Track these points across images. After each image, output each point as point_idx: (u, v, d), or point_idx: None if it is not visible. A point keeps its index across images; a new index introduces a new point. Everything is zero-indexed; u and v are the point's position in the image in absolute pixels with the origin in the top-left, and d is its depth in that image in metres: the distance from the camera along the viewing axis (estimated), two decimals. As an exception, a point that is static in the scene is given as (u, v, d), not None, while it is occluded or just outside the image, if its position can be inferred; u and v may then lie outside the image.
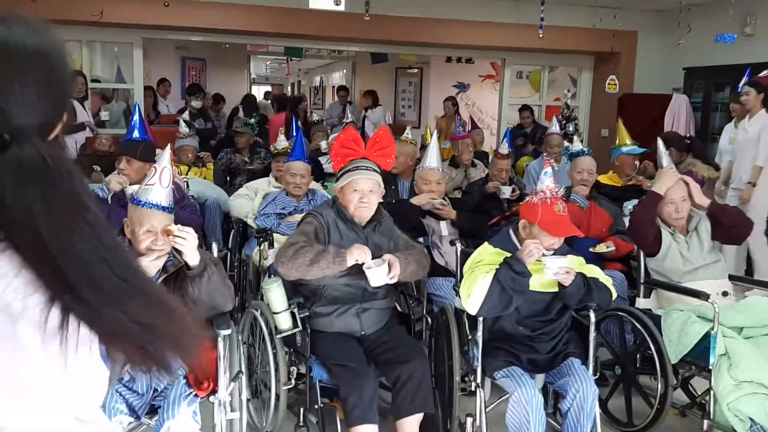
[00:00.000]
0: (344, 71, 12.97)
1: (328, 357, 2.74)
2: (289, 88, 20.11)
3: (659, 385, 2.97)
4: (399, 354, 2.75)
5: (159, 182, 2.53)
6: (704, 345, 2.86)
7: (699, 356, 2.90)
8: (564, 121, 7.67)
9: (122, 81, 8.32)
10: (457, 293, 3.07)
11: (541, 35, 6.92)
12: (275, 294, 2.77)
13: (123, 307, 0.88)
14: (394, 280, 2.77)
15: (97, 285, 0.86)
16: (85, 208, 0.88)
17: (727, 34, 5.83)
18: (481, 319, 2.71)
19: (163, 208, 2.49)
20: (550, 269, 2.62)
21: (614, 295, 2.86)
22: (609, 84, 7.65)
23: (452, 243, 3.33)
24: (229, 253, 4.47)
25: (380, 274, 2.70)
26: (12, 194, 0.82)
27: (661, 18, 7.88)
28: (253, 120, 7.05)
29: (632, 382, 3.21)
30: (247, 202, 4.51)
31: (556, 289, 2.76)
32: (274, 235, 3.69)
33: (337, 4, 6.04)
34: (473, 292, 2.64)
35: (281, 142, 5.19)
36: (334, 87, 12.15)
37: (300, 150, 4.16)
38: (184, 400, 2.32)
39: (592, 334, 2.81)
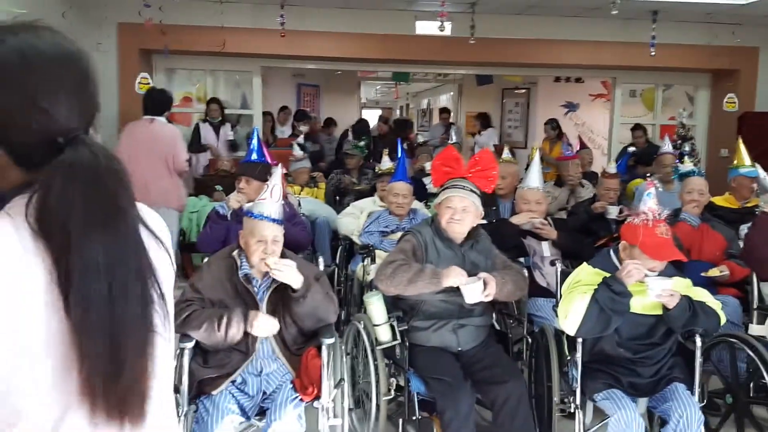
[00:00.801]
0: (451, 93, 13.10)
1: (425, 370, 2.82)
2: (398, 111, 20.52)
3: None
4: (495, 373, 2.79)
5: (270, 197, 2.75)
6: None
7: (819, 388, 2.74)
8: (680, 141, 7.38)
9: (247, 107, 8.89)
10: (557, 314, 3.07)
11: (652, 53, 6.75)
12: (376, 307, 2.89)
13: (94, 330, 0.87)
14: (489, 298, 2.82)
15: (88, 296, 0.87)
16: (122, 212, 0.92)
17: None
18: (580, 340, 2.70)
19: (273, 220, 2.71)
20: (653, 290, 2.58)
21: (723, 320, 2.76)
22: (727, 102, 7.29)
23: (552, 263, 3.33)
24: (336, 269, 4.67)
25: (475, 290, 2.76)
26: (57, 193, 0.87)
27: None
28: (362, 143, 7.31)
29: (745, 412, 3.07)
30: (353, 220, 4.71)
31: (659, 312, 2.71)
32: (376, 251, 3.83)
33: (441, 30, 6.17)
34: (571, 312, 2.64)
35: (386, 163, 5.38)
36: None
37: (402, 171, 4.31)
38: (290, 403, 2.48)
39: (698, 360, 2.73)
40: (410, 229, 3.05)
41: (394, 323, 2.89)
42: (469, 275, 2.82)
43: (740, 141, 4.78)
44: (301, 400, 2.53)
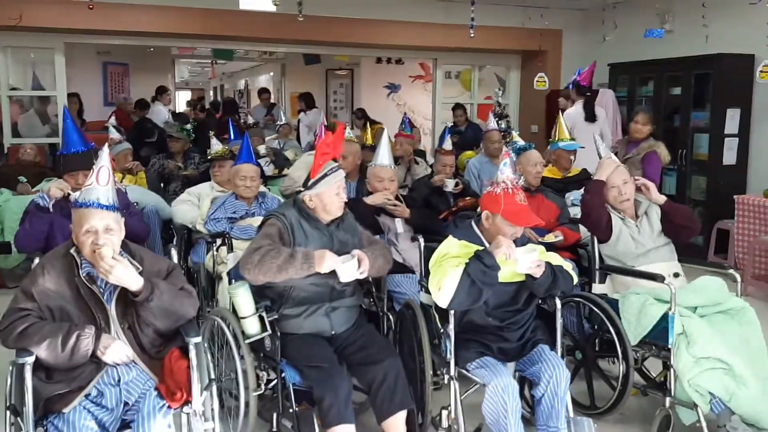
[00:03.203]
0: (271, 74, 12.79)
1: (300, 359, 2.68)
2: (212, 92, 19.67)
3: (621, 367, 3.06)
4: (371, 353, 2.73)
5: (96, 181, 2.42)
6: (662, 326, 2.97)
7: (657, 337, 3.01)
8: (497, 119, 7.83)
9: (39, 88, 7.91)
10: (422, 288, 3.08)
11: (472, 35, 7.06)
12: (243, 298, 2.68)
13: None
14: (365, 275, 2.74)
15: None
16: None
17: (656, 29, 6.13)
18: (452, 312, 2.72)
19: (102, 206, 2.38)
20: (523, 263, 2.66)
21: (575, 281, 2.93)
22: (538, 81, 7.86)
23: (414, 239, 3.33)
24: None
25: (350, 269, 2.67)
26: None
27: (585, 17, 8.18)
28: (189, 126, 6.86)
29: (593, 366, 3.30)
30: (191, 207, 4.37)
31: (521, 279, 2.80)
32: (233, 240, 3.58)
33: (276, 5, 5.92)
34: (444, 285, 2.65)
35: (215, 146, 5.09)
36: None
37: (248, 152, 4.06)
38: (159, 412, 2.21)
39: (559, 321, 2.88)
40: (273, 213, 2.86)
41: (263, 314, 2.70)
42: (339, 254, 2.72)
43: (560, 117, 5.13)
44: (170, 407, 2.27)
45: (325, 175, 2.79)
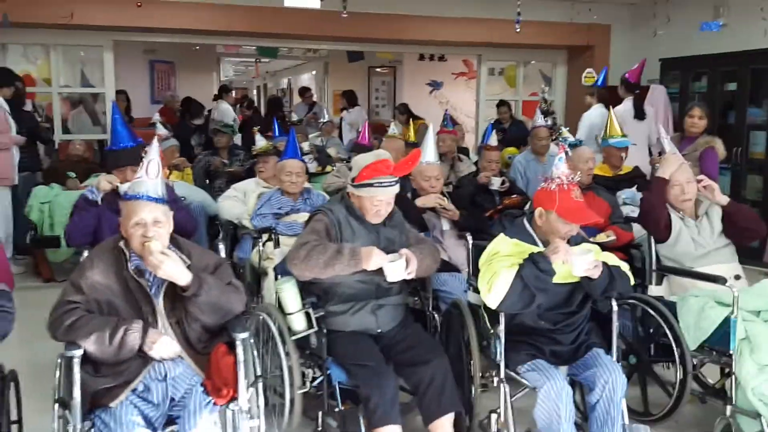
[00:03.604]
0: (314, 72, 12.82)
1: (346, 357, 2.64)
2: (255, 91, 19.84)
3: (678, 373, 2.93)
4: (418, 354, 2.66)
5: (146, 174, 2.41)
6: (723, 330, 2.83)
7: (717, 342, 2.87)
8: (543, 116, 7.67)
9: (88, 86, 8.05)
10: (470, 287, 3.00)
11: (518, 30, 6.91)
12: (289, 294, 2.65)
13: None
14: (412, 275, 2.68)
15: None
16: None
17: (712, 22, 5.90)
18: (502, 312, 2.64)
19: (151, 198, 2.37)
20: (580, 267, 2.55)
21: (632, 281, 2.81)
22: (586, 77, 7.68)
23: (461, 237, 3.25)
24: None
25: (398, 268, 2.62)
26: None
27: (634, 11, 7.95)
28: (233, 122, 6.91)
29: (648, 371, 3.18)
30: (237, 203, 4.38)
31: (576, 280, 2.70)
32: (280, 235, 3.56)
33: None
34: (495, 286, 2.56)
35: (260, 142, 5.11)
36: (302, 89, 11.98)
37: (293, 148, 4.05)
38: (205, 408, 2.19)
39: (615, 323, 2.77)
40: (320, 208, 2.82)
41: (310, 310, 2.66)
42: (386, 252, 2.66)
43: (611, 113, 4.97)
44: (215, 403, 2.24)
45: (371, 185, 2.70)
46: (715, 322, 2.84)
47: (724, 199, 3.29)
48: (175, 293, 2.37)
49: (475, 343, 2.76)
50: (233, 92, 9.42)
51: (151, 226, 2.33)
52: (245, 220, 4.03)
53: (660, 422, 3.04)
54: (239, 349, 2.29)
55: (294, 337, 2.66)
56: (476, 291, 2.81)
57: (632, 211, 4.35)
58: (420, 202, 3.73)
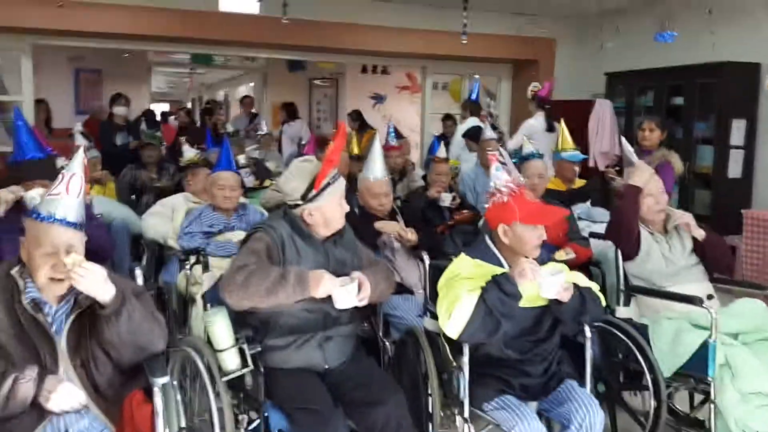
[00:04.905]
0: (252, 84, 12.38)
1: (288, 399, 2.28)
2: (189, 104, 19.20)
3: (652, 401, 2.69)
4: (371, 392, 2.33)
5: (66, 191, 2.01)
6: (699, 354, 2.62)
7: (694, 368, 2.65)
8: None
9: (3, 93, 7.42)
10: (427, 312, 2.70)
11: (464, 41, 6.72)
12: (220, 328, 2.27)
13: None
14: (365, 302, 2.35)
15: None
16: None
17: (666, 33, 5.84)
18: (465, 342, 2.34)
19: (70, 224, 1.98)
20: (551, 289, 2.29)
21: (603, 302, 2.57)
22: (532, 91, 7.55)
23: (419, 256, 2.96)
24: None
25: (349, 294, 2.28)
26: None
27: (579, 25, 7.91)
28: (159, 133, 6.47)
29: (617, 400, 2.94)
30: (163, 221, 3.95)
31: (544, 303, 2.43)
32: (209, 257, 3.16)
33: (259, 1, 5.51)
34: (455, 313, 2.26)
35: (188, 153, 4.74)
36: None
37: (227, 159, 3.67)
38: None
39: (589, 352, 2.51)
40: (260, 225, 2.46)
41: (244, 346, 2.29)
42: (336, 275, 2.33)
43: (563, 126, 4.80)
44: (129, 464, 1.85)
45: (328, 185, 2.40)
46: (692, 346, 2.63)
47: (701, 234, 3.08)
48: (81, 330, 1.97)
49: (435, 377, 2.45)
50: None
51: (63, 258, 1.93)
52: (171, 240, 3.62)
53: (632, 456, 2.81)
54: (158, 398, 1.91)
55: (225, 378, 2.28)
56: (434, 317, 2.51)
57: (588, 226, 4.17)
58: (379, 226, 3.40)
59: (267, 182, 5.69)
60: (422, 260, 3.11)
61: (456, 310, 2.26)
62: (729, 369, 2.55)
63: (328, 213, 2.41)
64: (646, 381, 2.72)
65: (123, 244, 4.15)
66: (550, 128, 6.37)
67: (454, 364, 2.40)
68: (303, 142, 8.10)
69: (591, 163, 6.51)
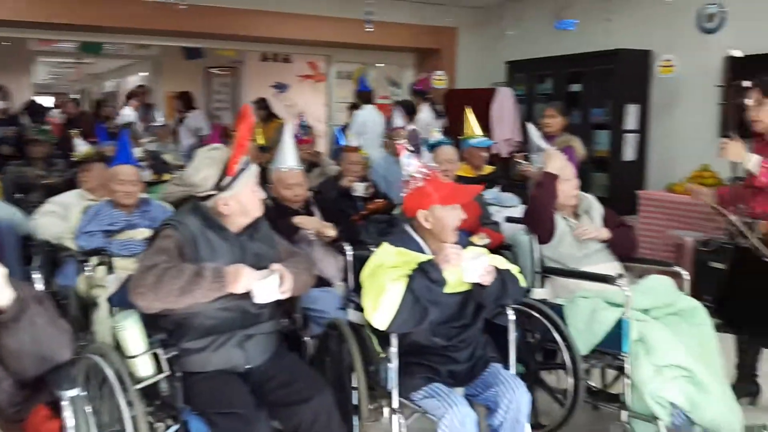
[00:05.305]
0: (146, 73, 11.77)
1: (208, 404, 2.14)
2: (77, 96, 18.09)
3: (569, 379, 2.75)
4: (296, 390, 2.24)
5: None
6: (614, 332, 2.70)
7: (609, 345, 2.73)
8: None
9: None
10: (352, 303, 2.63)
11: (370, 29, 6.68)
12: (131, 333, 2.10)
13: None
14: (287, 294, 2.24)
15: None
16: None
17: (568, 21, 6.02)
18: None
19: None
20: (471, 272, 2.28)
21: (523, 283, 2.60)
22: (437, 80, 7.63)
23: (339, 248, 2.89)
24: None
25: (270, 288, 2.17)
26: None
27: (480, 14, 8.05)
28: (47, 127, 6.02)
29: (536, 380, 2.98)
30: (58, 220, 3.66)
31: (467, 288, 2.43)
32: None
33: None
34: (383, 303, 2.22)
35: (80, 147, 4.46)
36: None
37: (125, 152, 3.44)
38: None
39: (513, 334, 2.53)
40: (168, 221, 2.29)
41: (159, 350, 2.13)
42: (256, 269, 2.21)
43: (469, 113, 4.85)
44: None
45: (243, 170, 2.28)
46: (608, 324, 2.69)
47: (605, 233, 3.17)
48: None
49: (361, 369, 2.39)
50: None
51: None
52: (67, 240, 3.35)
53: (552, 434, 2.86)
54: (67, 412, 1.73)
55: (139, 385, 2.12)
56: (358, 308, 2.45)
57: (498, 211, 4.25)
58: (297, 222, 3.29)
59: (166, 176, 5.44)
60: (342, 252, 3.03)
61: (383, 301, 2.22)
62: (643, 344, 2.63)
63: (245, 200, 2.29)
64: (563, 359, 2.79)
65: (10, 247, 3.81)
66: (441, 115, 6.64)
67: (382, 354, 2.35)
68: (202, 134, 7.81)
69: (495, 150, 6.65)
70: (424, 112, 6.80)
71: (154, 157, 5.92)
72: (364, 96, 7.28)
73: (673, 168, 6.03)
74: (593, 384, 3.13)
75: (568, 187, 3.14)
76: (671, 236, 5.30)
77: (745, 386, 3.24)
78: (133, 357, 2.11)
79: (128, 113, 8.48)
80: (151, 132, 7.68)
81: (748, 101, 2.91)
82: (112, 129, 7.48)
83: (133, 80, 12.94)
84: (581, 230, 3.10)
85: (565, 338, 2.76)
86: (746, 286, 3.05)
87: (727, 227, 3.08)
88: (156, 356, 2.14)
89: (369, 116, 6.86)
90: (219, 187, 2.25)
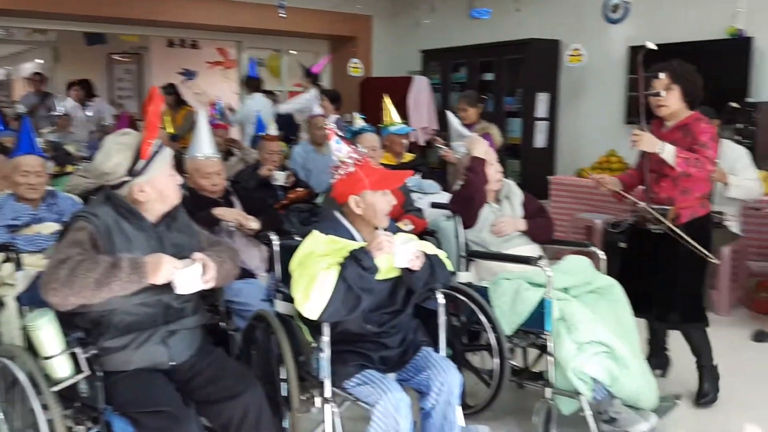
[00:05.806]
0: (40, 61, 11.06)
1: (131, 404, 2.03)
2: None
3: (495, 359, 2.82)
4: (225, 386, 2.16)
5: None
6: (536, 312, 2.78)
7: (532, 324, 2.81)
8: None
9: None
10: (280, 293, 2.57)
11: (283, 15, 6.54)
12: (47, 333, 1.96)
13: None
14: (211, 284, 2.15)
15: None
16: None
17: (483, 9, 6.11)
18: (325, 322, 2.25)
19: None
20: (403, 257, 2.28)
21: (450, 267, 2.62)
22: (353, 67, 7.58)
23: (263, 238, 2.81)
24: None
25: (192, 277, 2.07)
26: None
27: (395, 2, 8.06)
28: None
29: (462, 362, 3.03)
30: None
31: (397, 274, 2.42)
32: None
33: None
34: (314, 292, 2.18)
35: None
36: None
37: (29, 141, 3.21)
38: None
39: (442, 317, 2.55)
40: (80, 213, 2.14)
41: (77, 350, 2.00)
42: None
43: (387, 100, 4.85)
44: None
45: (156, 153, 2.16)
46: (531, 304, 2.77)
47: (522, 225, 3.23)
48: None
49: (291, 360, 2.34)
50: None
51: None
52: (-32, 237, 3.09)
53: (479, 414, 2.92)
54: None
55: (56, 387, 1.98)
56: (287, 299, 2.40)
57: (419, 198, 4.28)
58: (218, 214, 3.17)
59: (69, 167, 5.15)
60: (266, 242, 2.95)
61: (315, 290, 2.18)
62: (564, 322, 2.72)
63: (162, 185, 2.17)
64: (487, 340, 2.85)
65: None
66: (336, 100, 6.61)
67: (314, 344, 2.31)
68: (105, 123, 7.45)
69: (413, 138, 6.70)
70: (310, 94, 6.68)
71: (55, 148, 5.60)
72: (252, 83, 7.04)
73: (581, 154, 6.28)
74: (516, 364, 3.21)
75: (493, 171, 3.19)
76: (581, 219, 5.52)
77: (656, 359, 3.42)
78: (50, 358, 1.97)
79: (70, 104, 7.99)
80: (51, 121, 7.26)
81: (657, 88, 3.03)
82: (10, 118, 7.03)
83: (29, 67, 12.14)
84: (499, 227, 3.15)
85: (490, 319, 2.83)
86: (639, 267, 3.18)
87: (640, 213, 3.15)
88: (74, 356, 2.01)
89: (257, 104, 6.65)
90: (133, 173, 2.12)
